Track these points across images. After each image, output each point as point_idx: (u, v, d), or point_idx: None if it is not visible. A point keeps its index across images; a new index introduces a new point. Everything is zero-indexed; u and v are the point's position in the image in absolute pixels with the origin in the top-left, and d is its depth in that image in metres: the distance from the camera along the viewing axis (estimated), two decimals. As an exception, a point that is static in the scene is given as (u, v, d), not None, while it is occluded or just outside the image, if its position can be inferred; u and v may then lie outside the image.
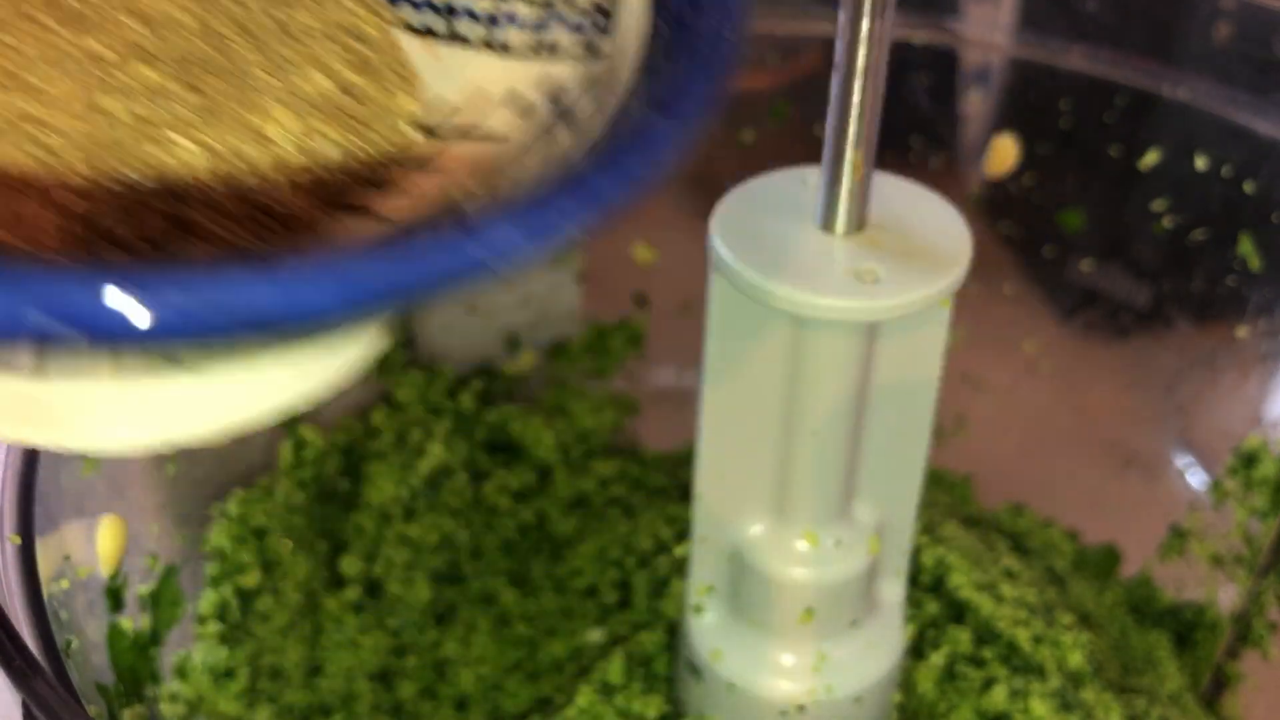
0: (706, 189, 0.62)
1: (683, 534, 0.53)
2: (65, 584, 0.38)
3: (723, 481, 0.42)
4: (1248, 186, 0.50)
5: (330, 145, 0.22)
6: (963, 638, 0.48)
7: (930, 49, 0.55)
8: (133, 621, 0.41)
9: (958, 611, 0.49)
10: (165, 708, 0.43)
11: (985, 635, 0.48)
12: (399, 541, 0.54)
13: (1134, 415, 0.58)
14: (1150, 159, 0.53)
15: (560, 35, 0.24)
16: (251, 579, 0.47)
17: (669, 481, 0.59)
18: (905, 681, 0.47)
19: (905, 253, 0.37)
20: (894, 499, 0.44)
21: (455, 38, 0.25)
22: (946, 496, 0.62)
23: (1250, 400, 0.53)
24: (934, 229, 0.38)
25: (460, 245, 0.18)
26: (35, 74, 0.21)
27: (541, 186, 0.19)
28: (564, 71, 0.23)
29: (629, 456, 0.62)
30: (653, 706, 0.46)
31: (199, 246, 0.20)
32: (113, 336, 0.16)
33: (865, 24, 0.33)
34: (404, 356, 0.57)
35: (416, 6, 0.25)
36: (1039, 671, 0.47)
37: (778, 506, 0.42)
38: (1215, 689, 0.54)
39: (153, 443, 0.21)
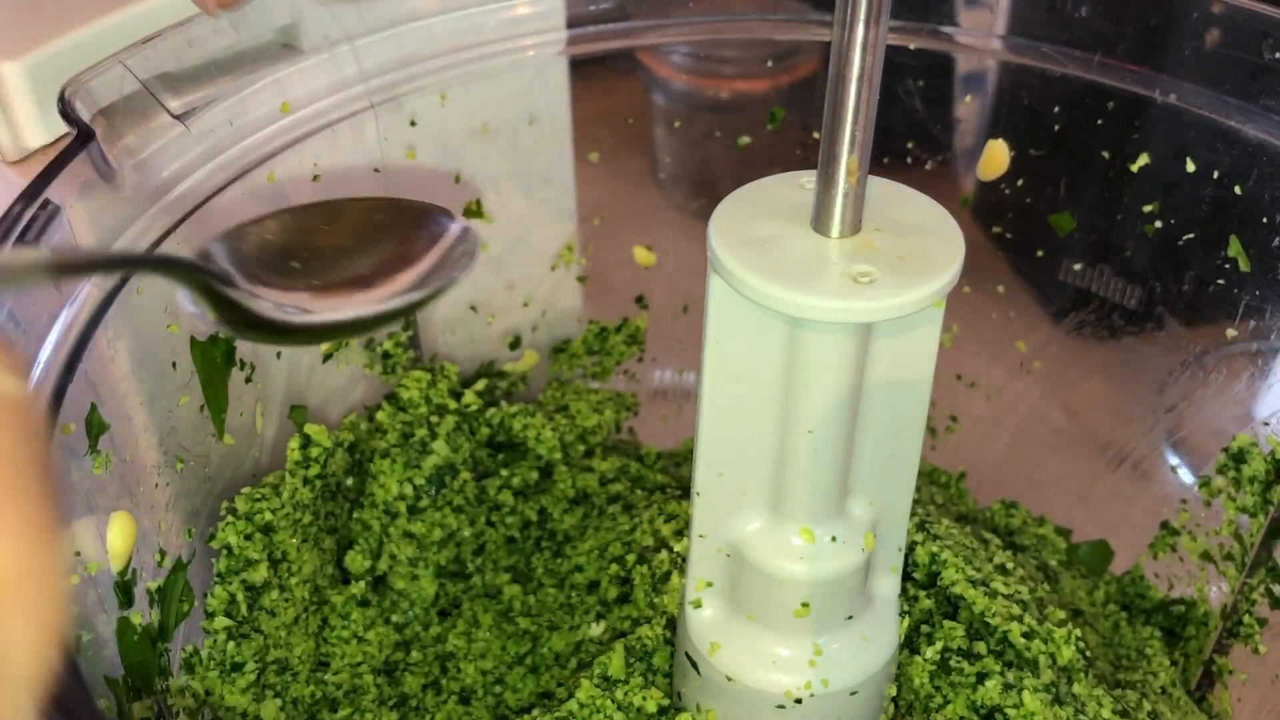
0: (705, 192, 0.62)
1: (681, 530, 0.53)
2: (76, 579, 0.38)
3: (721, 479, 0.43)
4: (1237, 189, 0.50)
5: None
6: (956, 632, 0.48)
7: (924, 55, 0.56)
8: (142, 616, 0.41)
9: (951, 607, 0.49)
10: (174, 701, 0.43)
11: (978, 630, 0.48)
12: (403, 538, 0.54)
13: (1125, 414, 0.58)
14: (1141, 162, 0.53)
15: None
16: (259, 575, 0.47)
17: (668, 479, 0.60)
18: (899, 675, 0.48)
19: (899, 255, 0.37)
20: (888, 496, 0.44)
21: None
22: (940, 494, 0.62)
23: (1240, 399, 0.53)
24: (928, 231, 0.38)
25: None
26: None
27: None
28: None
29: (629, 454, 0.62)
30: (652, 700, 0.46)
31: None
32: None
33: (860, 30, 0.34)
34: (409, 357, 0.57)
35: None
36: (1031, 666, 0.47)
37: (775, 503, 0.43)
38: (1205, 683, 0.54)
39: None
